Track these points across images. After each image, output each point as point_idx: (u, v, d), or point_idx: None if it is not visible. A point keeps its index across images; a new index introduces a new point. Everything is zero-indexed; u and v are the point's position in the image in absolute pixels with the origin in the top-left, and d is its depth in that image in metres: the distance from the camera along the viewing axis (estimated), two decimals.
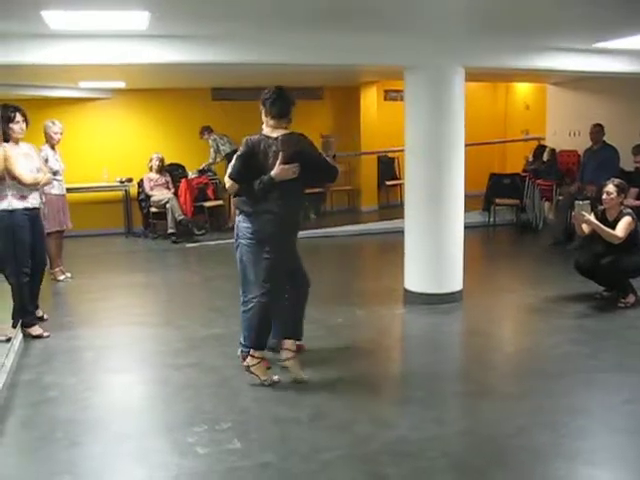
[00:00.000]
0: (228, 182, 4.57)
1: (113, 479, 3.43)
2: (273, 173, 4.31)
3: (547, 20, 5.34)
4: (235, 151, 4.69)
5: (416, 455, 3.57)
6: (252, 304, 4.60)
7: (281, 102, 4.44)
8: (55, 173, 7.39)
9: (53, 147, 7.61)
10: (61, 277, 7.84)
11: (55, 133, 7.53)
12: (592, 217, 6.13)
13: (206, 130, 11.09)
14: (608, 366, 4.84)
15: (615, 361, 4.94)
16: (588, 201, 6.33)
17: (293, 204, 4.53)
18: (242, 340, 4.86)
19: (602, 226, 6.12)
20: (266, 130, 4.49)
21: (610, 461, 3.48)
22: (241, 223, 4.69)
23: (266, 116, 4.51)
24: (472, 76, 6.86)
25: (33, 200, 5.68)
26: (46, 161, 7.20)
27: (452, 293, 6.45)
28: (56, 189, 7.53)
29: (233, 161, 4.55)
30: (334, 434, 3.82)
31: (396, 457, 3.55)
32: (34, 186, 5.66)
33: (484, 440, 3.78)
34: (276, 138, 4.39)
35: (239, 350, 4.89)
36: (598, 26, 5.61)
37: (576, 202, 6.33)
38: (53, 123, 7.57)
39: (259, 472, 3.41)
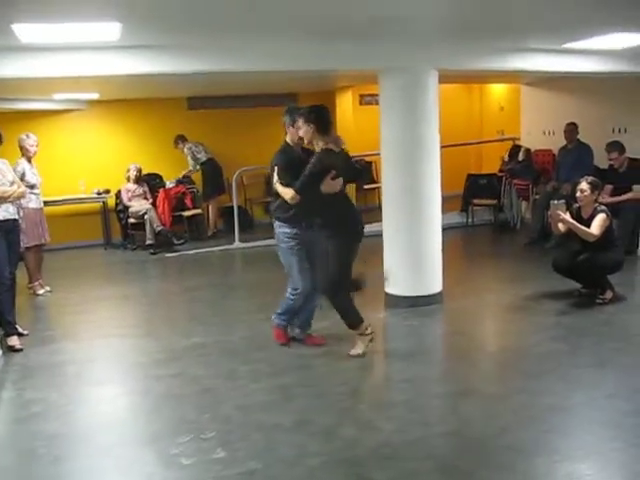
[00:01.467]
0: (290, 194, 4.87)
1: None
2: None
3: (518, 22, 5.40)
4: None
5: (402, 458, 3.59)
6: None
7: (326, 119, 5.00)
8: (32, 187, 7.38)
9: (30, 160, 7.56)
10: (40, 291, 7.78)
11: (31, 146, 7.48)
12: (567, 216, 6.19)
13: (180, 139, 11.06)
14: (588, 362, 4.89)
15: (595, 357, 5.00)
16: (563, 200, 6.39)
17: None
18: (280, 311, 5.41)
19: (577, 225, 6.18)
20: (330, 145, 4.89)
21: (591, 456, 3.53)
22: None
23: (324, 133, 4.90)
24: (446, 78, 6.91)
25: (5, 212, 5.70)
26: (23, 175, 7.22)
27: (432, 295, 6.48)
28: (33, 203, 7.50)
29: (306, 176, 4.81)
30: (319, 439, 3.82)
31: (382, 461, 3.57)
32: (4, 200, 5.66)
33: (468, 441, 3.81)
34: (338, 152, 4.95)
35: (274, 321, 5.46)
36: (567, 27, 5.67)
37: (551, 202, 6.40)
38: (27, 136, 7.52)
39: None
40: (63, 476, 3.58)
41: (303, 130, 4.88)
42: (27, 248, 7.50)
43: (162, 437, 3.96)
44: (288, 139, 5.14)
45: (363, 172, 5.02)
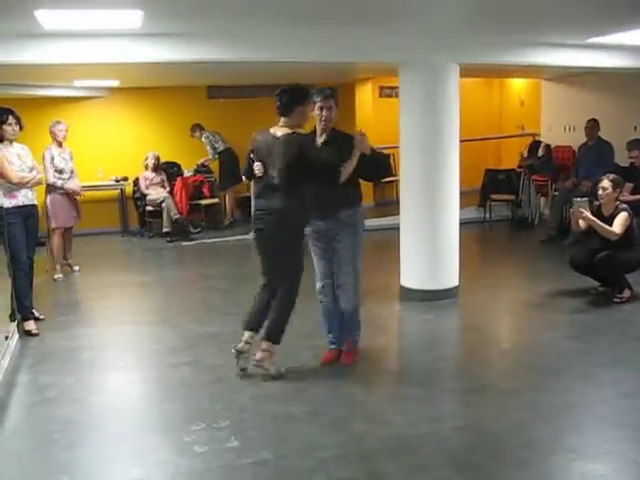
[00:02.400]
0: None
1: (112, 479, 3.43)
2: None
3: (541, 15, 5.34)
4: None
5: (413, 452, 3.59)
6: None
7: (282, 99, 4.45)
8: (60, 172, 7.70)
9: (60, 145, 7.80)
10: (56, 275, 7.86)
11: (60, 131, 7.77)
12: (590, 214, 6.14)
13: (197, 128, 11.06)
14: (604, 361, 4.85)
15: (611, 356, 4.96)
16: (586, 198, 6.33)
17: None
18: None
19: (600, 223, 6.12)
20: (273, 128, 4.52)
21: (605, 455, 3.49)
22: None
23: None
24: (467, 72, 6.85)
25: (24, 198, 5.78)
26: (52, 159, 7.62)
27: (448, 289, 6.46)
28: (61, 185, 7.76)
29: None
30: (331, 431, 3.83)
31: (393, 454, 3.57)
32: (22, 185, 5.73)
33: (481, 436, 3.79)
34: (278, 137, 4.42)
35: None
36: (591, 21, 5.62)
37: (574, 199, 6.34)
38: (57, 122, 7.84)
39: (257, 470, 3.42)
40: (77, 461, 3.60)
41: None
42: (53, 230, 7.78)
43: (176, 425, 3.98)
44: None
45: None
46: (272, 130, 4.48)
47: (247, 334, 4.65)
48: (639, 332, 5.51)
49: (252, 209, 4.71)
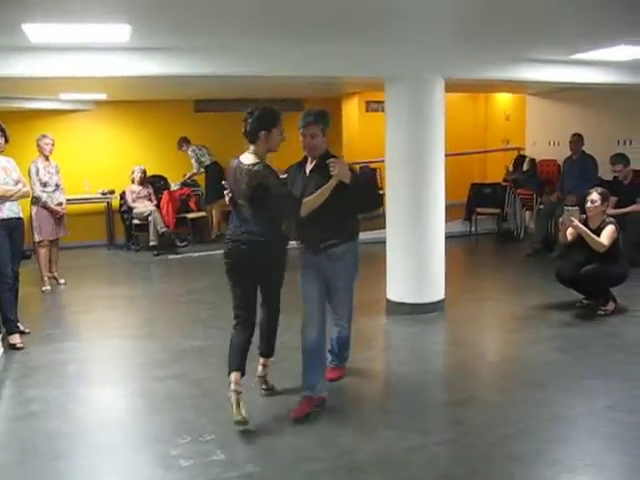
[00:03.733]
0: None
1: None
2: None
3: (526, 32, 5.41)
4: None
5: (401, 465, 3.59)
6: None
7: (246, 124, 4.11)
8: (44, 185, 7.66)
9: (47, 159, 7.82)
10: (43, 288, 7.85)
11: (46, 144, 7.80)
12: (580, 224, 6.18)
13: (184, 141, 11.07)
14: (590, 373, 4.88)
15: (597, 368, 4.99)
16: (577, 207, 6.37)
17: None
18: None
19: (590, 233, 6.16)
20: (244, 154, 4.16)
21: (591, 467, 3.51)
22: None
23: None
24: (452, 87, 6.91)
25: (8, 211, 5.76)
26: (37, 172, 7.65)
27: (434, 303, 6.48)
28: (45, 200, 7.75)
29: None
30: (319, 445, 3.82)
31: (381, 467, 3.57)
32: (5, 198, 5.73)
33: (468, 449, 3.80)
34: (243, 166, 4.08)
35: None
36: (576, 38, 5.69)
37: (565, 208, 6.39)
38: (43, 136, 7.87)
39: None
40: (62, 474, 3.58)
41: None
42: (38, 243, 7.79)
43: (161, 438, 3.96)
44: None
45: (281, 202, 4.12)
46: (241, 156, 4.13)
47: (235, 376, 4.07)
48: (624, 344, 5.56)
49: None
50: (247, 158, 4.09)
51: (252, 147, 4.10)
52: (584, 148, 9.14)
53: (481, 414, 4.27)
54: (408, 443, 3.83)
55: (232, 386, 4.02)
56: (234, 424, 3.92)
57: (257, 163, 4.03)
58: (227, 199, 4.25)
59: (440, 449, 3.80)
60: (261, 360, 4.54)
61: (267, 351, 4.51)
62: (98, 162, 11.04)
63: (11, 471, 3.65)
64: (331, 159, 4.15)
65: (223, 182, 4.35)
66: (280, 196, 4.04)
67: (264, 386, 4.57)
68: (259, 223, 4.07)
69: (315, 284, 4.35)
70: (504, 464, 3.58)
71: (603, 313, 6.29)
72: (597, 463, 3.56)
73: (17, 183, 5.87)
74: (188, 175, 11.25)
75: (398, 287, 6.55)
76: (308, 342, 4.28)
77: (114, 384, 5.02)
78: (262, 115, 4.07)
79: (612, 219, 6.39)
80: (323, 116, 4.27)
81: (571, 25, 5.07)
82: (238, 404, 3.97)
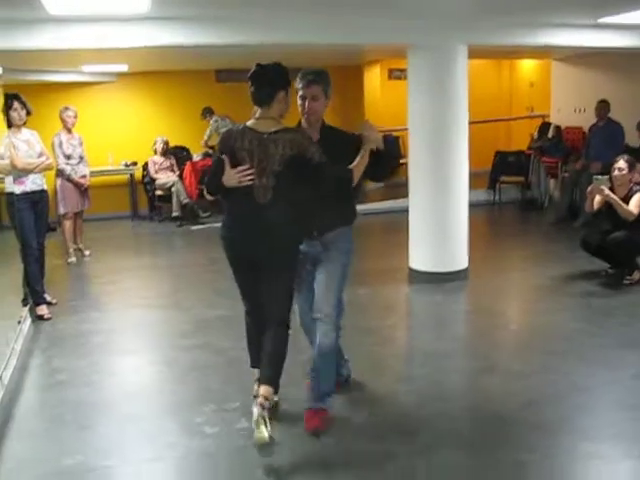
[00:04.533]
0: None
1: (123, 459, 3.47)
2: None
3: None
4: None
5: (422, 432, 3.62)
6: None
7: (260, 83, 3.47)
8: (68, 157, 7.72)
9: (70, 131, 7.83)
10: (69, 259, 7.94)
11: (68, 117, 7.78)
12: (609, 192, 6.11)
13: (207, 111, 11.06)
14: (613, 343, 4.85)
15: (620, 338, 4.96)
16: (607, 176, 6.28)
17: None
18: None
19: (619, 201, 6.07)
20: (251, 122, 3.51)
21: (613, 437, 3.50)
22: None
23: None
24: (475, 53, 6.82)
25: (32, 184, 5.84)
26: (60, 144, 7.65)
27: (457, 271, 6.47)
28: (68, 172, 7.80)
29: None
30: (341, 412, 3.85)
31: (402, 434, 3.60)
32: (28, 171, 5.79)
33: (489, 416, 3.82)
34: (267, 135, 3.42)
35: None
36: (602, 1, 5.57)
37: (594, 177, 6.30)
38: (66, 108, 7.86)
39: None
40: (89, 442, 3.64)
41: None
42: (63, 215, 7.87)
43: (186, 407, 4.01)
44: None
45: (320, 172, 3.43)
46: (253, 124, 3.48)
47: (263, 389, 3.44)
48: None
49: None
50: (265, 124, 3.44)
51: (265, 111, 3.47)
52: (610, 114, 9.01)
53: (502, 382, 4.27)
54: (429, 410, 3.86)
55: (259, 399, 3.34)
56: (254, 444, 3.25)
57: (287, 129, 3.46)
58: (246, 180, 3.41)
59: (461, 416, 3.83)
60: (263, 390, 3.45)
61: (273, 380, 3.56)
62: (121, 134, 11.08)
63: (40, 438, 3.73)
64: (365, 123, 3.70)
65: (222, 158, 3.47)
66: (326, 165, 3.43)
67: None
68: (281, 209, 3.45)
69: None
70: (525, 431, 3.59)
71: (628, 282, 6.23)
72: (619, 433, 3.55)
73: (40, 156, 5.94)
74: (205, 141, 11.17)
75: (421, 256, 6.54)
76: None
77: (138, 354, 5.09)
78: (280, 72, 3.50)
79: (639, 187, 6.30)
80: (325, 75, 3.63)
81: None
82: (264, 422, 3.23)
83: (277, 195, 3.42)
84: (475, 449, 3.46)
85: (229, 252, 3.64)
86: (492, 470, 3.23)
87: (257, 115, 3.49)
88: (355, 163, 3.53)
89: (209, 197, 3.84)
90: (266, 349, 3.59)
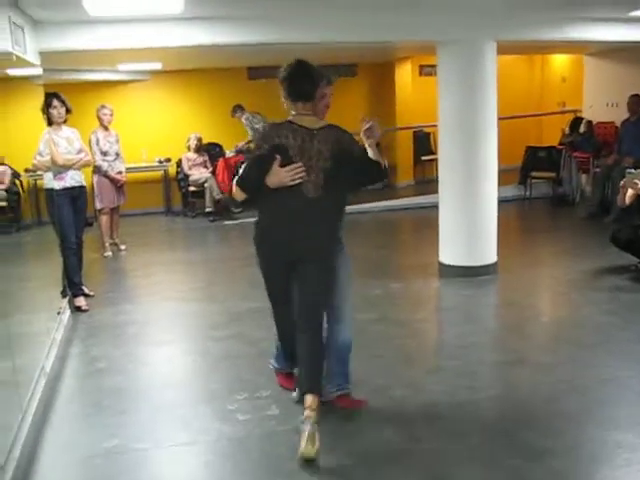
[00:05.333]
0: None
1: (158, 443, 3.61)
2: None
3: None
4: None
5: (448, 418, 3.72)
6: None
7: (302, 79, 3.50)
8: (105, 154, 7.93)
9: (107, 129, 8.06)
10: (105, 253, 8.13)
11: (104, 114, 8.02)
12: None
13: (237, 109, 11.16)
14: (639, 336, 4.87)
15: None
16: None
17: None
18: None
19: None
20: (293, 118, 3.51)
21: (638, 426, 3.55)
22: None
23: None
24: (505, 49, 6.84)
25: (71, 180, 6.03)
26: (97, 142, 7.88)
27: (487, 265, 6.51)
28: (105, 168, 8.02)
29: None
30: (372, 398, 3.94)
31: (429, 420, 3.70)
32: (67, 167, 5.98)
33: (515, 405, 3.90)
34: (315, 131, 3.45)
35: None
36: None
37: (627, 171, 6.30)
38: (103, 106, 8.10)
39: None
40: (127, 426, 3.78)
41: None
42: (100, 210, 8.09)
43: (219, 395, 4.14)
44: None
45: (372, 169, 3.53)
46: (297, 120, 3.48)
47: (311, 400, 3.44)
48: None
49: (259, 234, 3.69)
50: (309, 121, 3.47)
51: (306, 107, 3.49)
52: None
53: (531, 373, 4.34)
54: (456, 398, 3.94)
55: (307, 412, 3.34)
56: (300, 458, 3.25)
57: (330, 125, 3.51)
58: (298, 178, 3.40)
59: (489, 405, 3.91)
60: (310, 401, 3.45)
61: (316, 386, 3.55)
62: (155, 131, 11.28)
63: (81, 423, 3.89)
64: (370, 119, 3.59)
65: (262, 154, 3.46)
66: (366, 156, 3.50)
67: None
68: (329, 204, 3.51)
69: None
70: (553, 421, 3.65)
71: None
72: None
73: (79, 152, 6.13)
74: (242, 143, 11.36)
75: (450, 250, 6.60)
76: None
77: (173, 344, 5.23)
78: (318, 70, 3.53)
79: None
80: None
81: None
82: (313, 438, 3.24)
83: (326, 190, 3.44)
84: (500, 435, 3.53)
85: (271, 253, 3.62)
86: (518, 455, 3.29)
87: (299, 111, 3.50)
88: (371, 155, 3.53)
89: (240, 196, 3.63)
90: (305, 356, 3.56)
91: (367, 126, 3.51)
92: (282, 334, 3.88)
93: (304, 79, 3.46)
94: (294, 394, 3.90)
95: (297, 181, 3.39)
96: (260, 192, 3.50)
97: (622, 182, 6.30)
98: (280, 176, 3.39)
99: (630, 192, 6.20)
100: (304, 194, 3.42)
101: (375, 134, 3.52)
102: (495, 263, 6.59)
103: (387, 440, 3.51)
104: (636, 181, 6.07)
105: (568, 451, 3.32)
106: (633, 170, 6.22)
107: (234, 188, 3.62)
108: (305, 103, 3.48)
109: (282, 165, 3.39)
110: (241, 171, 3.59)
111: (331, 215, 3.57)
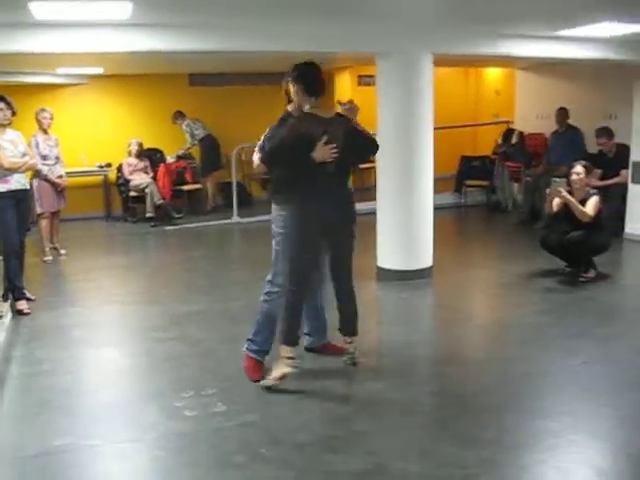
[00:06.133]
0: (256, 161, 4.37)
1: (107, 440, 3.68)
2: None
3: (512, 8, 5.61)
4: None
5: (387, 412, 3.91)
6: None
7: (316, 76, 4.25)
8: (44, 157, 7.81)
9: (46, 132, 7.99)
10: (45, 258, 8.08)
11: (44, 118, 7.95)
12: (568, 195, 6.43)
13: (178, 115, 11.24)
14: (568, 333, 5.18)
15: (574, 329, 5.29)
16: (564, 180, 6.61)
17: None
18: (252, 336, 4.48)
19: (576, 203, 6.40)
20: (310, 110, 4.17)
21: (562, 415, 3.79)
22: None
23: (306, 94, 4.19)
24: (442, 61, 7.07)
25: (16, 183, 5.99)
26: (37, 145, 7.76)
27: (423, 269, 6.76)
28: (45, 173, 7.93)
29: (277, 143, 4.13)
30: (314, 397, 4.11)
31: (369, 415, 3.87)
32: (14, 170, 5.95)
33: (449, 399, 4.12)
34: (331, 120, 4.17)
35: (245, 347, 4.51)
36: (560, 15, 5.89)
37: (552, 180, 6.63)
38: (42, 110, 8.02)
39: (243, 431, 3.69)
40: (74, 425, 3.83)
41: (292, 91, 4.28)
42: (40, 215, 7.99)
43: (165, 393, 4.22)
44: (290, 107, 4.39)
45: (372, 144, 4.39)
46: (318, 113, 4.14)
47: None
48: (600, 308, 5.88)
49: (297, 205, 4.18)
50: (324, 112, 4.19)
51: (318, 101, 4.18)
52: (571, 122, 9.38)
53: (464, 369, 4.58)
54: (394, 394, 4.13)
55: (351, 348, 4.52)
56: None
57: (337, 113, 4.25)
58: (334, 156, 4.08)
59: (425, 400, 4.12)
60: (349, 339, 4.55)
61: (353, 328, 4.55)
62: (95, 135, 11.21)
63: (28, 422, 3.91)
64: (347, 101, 4.33)
65: (295, 140, 4.04)
66: (364, 134, 4.28)
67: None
68: (345, 178, 4.38)
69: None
70: (483, 412, 3.87)
71: (584, 280, 6.57)
72: (568, 411, 3.85)
73: (24, 156, 6.11)
74: (181, 151, 11.44)
75: (388, 255, 6.82)
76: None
77: (117, 346, 5.28)
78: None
79: (595, 190, 6.66)
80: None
81: (554, 3, 5.29)
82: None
83: (338, 166, 4.14)
84: (435, 426, 3.75)
85: (311, 221, 4.15)
86: (450, 445, 3.50)
87: (312, 104, 4.16)
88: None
89: (261, 166, 4.35)
90: (345, 307, 4.45)
91: (347, 107, 4.24)
92: (295, 306, 4.26)
93: (317, 78, 4.22)
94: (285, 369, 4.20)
95: (333, 157, 4.07)
96: (296, 168, 4.16)
97: (548, 191, 6.63)
98: (324, 153, 4.05)
99: (556, 200, 6.52)
100: (327, 170, 4.10)
101: (354, 114, 4.22)
102: (431, 267, 6.84)
103: (326, 433, 3.68)
104: (560, 189, 6.40)
105: (496, 439, 3.54)
106: (558, 179, 6.55)
107: (256, 161, 4.38)
108: (317, 98, 4.18)
109: (310, 148, 4.03)
110: (269, 150, 4.15)
111: (345, 186, 4.39)
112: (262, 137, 4.41)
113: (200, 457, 3.45)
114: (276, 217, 4.34)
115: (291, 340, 4.22)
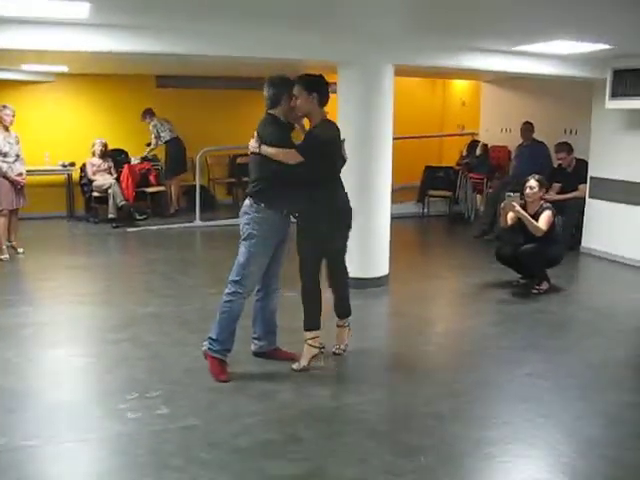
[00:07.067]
0: (291, 154, 4.38)
1: (47, 440, 3.65)
2: None
3: (470, 23, 5.69)
4: None
5: (330, 420, 3.95)
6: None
7: (324, 89, 4.60)
8: (5, 155, 7.75)
9: (7, 129, 7.91)
10: (2, 256, 8.00)
11: (7, 115, 7.86)
12: (520, 209, 6.52)
13: (148, 113, 11.17)
14: (517, 344, 5.27)
15: (524, 340, 5.37)
16: (518, 193, 6.71)
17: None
18: (214, 336, 4.51)
19: (529, 217, 6.50)
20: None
21: (502, 425, 3.87)
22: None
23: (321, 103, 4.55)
24: (407, 72, 7.13)
25: None
26: None
27: (379, 278, 6.81)
28: (5, 170, 7.84)
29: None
30: (257, 402, 4.13)
31: (312, 422, 3.90)
32: None
33: (395, 408, 4.17)
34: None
35: (205, 346, 4.57)
36: (518, 30, 5.99)
37: (506, 194, 6.72)
38: (4, 106, 7.93)
39: (183, 434, 3.70)
40: (15, 425, 3.81)
41: (301, 100, 4.41)
42: None
43: (110, 395, 4.22)
44: (277, 112, 4.51)
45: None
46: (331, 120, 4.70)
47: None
48: (550, 320, 5.98)
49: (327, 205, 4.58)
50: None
51: (325, 109, 4.58)
52: (536, 136, 9.51)
53: (413, 378, 4.62)
54: (340, 402, 4.18)
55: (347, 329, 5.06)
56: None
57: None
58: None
59: (369, 407, 4.13)
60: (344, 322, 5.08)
61: (345, 311, 5.11)
62: (59, 134, 11.11)
63: None
64: None
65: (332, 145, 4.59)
66: None
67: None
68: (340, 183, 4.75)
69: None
70: (426, 421, 3.92)
71: (537, 292, 6.68)
72: (508, 421, 3.92)
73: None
74: (145, 153, 11.40)
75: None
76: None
77: (68, 346, 5.24)
78: None
79: (549, 204, 6.76)
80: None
81: (510, 20, 5.38)
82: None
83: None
84: (378, 436, 3.76)
85: (349, 220, 4.74)
86: (390, 452, 3.54)
87: (323, 112, 4.55)
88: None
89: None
90: (339, 291, 5.02)
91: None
92: (316, 299, 4.79)
93: (324, 91, 4.54)
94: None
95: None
96: (329, 174, 4.62)
97: (502, 204, 6.72)
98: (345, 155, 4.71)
99: (511, 214, 6.61)
100: (339, 170, 4.68)
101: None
102: (387, 275, 6.89)
103: (265, 438, 3.69)
104: (513, 204, 6.49)
105: (436, 448, 3.59)
106: (512, 194, 6.63)
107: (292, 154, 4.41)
108: (324, 105, 4.54)
109: (334, 150, 4.58)
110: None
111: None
112: (255, 134, 4.54)
113: (138, 459, 3.45)
114: (254, 219, 4.42)
115: (314, 325, 4.71)
